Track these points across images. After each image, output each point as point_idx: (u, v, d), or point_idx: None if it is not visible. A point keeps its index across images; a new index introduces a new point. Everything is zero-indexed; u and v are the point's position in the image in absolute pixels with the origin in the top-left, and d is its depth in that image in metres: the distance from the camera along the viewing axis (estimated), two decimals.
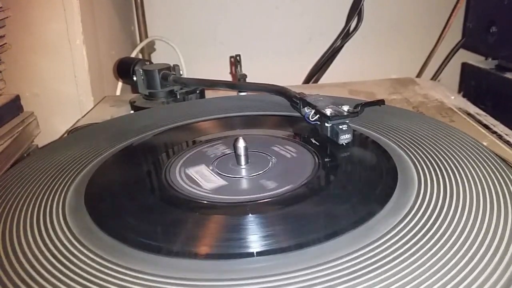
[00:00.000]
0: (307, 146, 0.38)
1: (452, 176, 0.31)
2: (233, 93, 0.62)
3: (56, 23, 0.67)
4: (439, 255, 0.23)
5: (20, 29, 0.67)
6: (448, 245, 0.23)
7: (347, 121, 0.38)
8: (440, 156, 0.34)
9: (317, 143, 0.39)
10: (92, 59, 0.71)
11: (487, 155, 0.34)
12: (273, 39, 1.05)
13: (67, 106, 0.71)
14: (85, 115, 0.65)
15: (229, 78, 0.97)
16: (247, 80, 0.61)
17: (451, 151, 0.35)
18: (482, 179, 0.30)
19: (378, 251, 0.23)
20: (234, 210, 0.30)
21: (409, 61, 1.04)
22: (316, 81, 0.93)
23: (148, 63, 0.66)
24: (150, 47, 1.01)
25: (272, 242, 0.25)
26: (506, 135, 0.49)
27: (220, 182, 0.33)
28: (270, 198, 0.30)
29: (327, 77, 0.92)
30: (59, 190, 0.33)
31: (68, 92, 0.70)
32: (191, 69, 0.95)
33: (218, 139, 0.42)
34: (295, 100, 0.45)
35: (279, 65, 1.04)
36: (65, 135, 0.53)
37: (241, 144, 0.35)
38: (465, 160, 0.33)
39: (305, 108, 0.43)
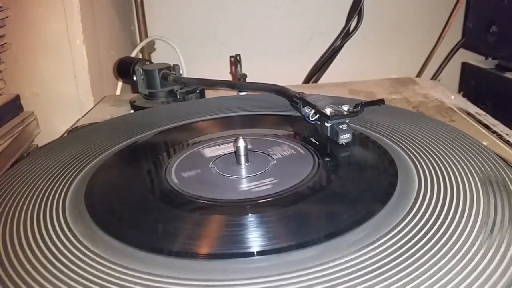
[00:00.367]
0: (307, 145, 0.38)
1: (452, 176, 0.31)
2: (233, 93, 0.62)
3: (56, 23, 0.67)
4: (439, 255, 0.23)
5: (20, 29, 0.67)
6: (448, 245, 0.23)
7: (347, 121, 0.38)
8: (440, 156, 0.34)
9: (317, 143, 0.39)
10: (92, 59, 0.71)
11: (487, 155, 0.34)
12: (273, 39, 1.05)
13: (67, 106, 0.71)
14: (85, 115, 0.65)
15: (229, 78, 0.97)
16: (247, 80, 0.61)
17: (451, 151, 0.35)
18: (482, 179, 0.30)
19: (378, 251, 0.23)
20: (234, 209, 0.30)
21: (409, 61, 1.04)
22: (316, 81, 0.93)
23: (148, 63, 0.66)
24: (150, 47, 1.01)
25: (272, 242, 0.25)
26: (506, 135, 0.49)
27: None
28: (270, 197, 0.30)
29: (327, 77, 0.92)
30: (59, 190, 0.33)
31: (68, 92, 0.70)
32: (191, 69, 0.95)
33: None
34: (295, 100, 0.45)
35: (279, 65, 1.04)
36: (65, 135, 0.53)
37: (241, 143, 0.35)
38: (465, 160, 0.33)
39: (305, 107, 0.43)
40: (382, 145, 0.37)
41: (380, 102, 0.42)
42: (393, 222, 0.26)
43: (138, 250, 0.25)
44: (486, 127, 0.51)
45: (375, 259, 0.23)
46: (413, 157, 0.34)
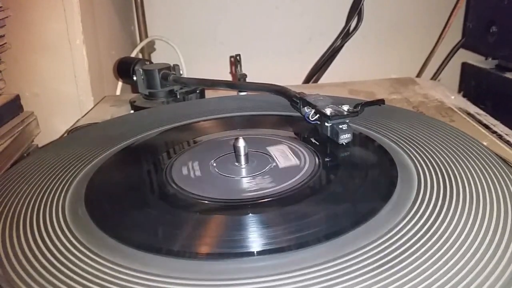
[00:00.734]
0: (307, 145, 0.38)
1: (452, 176, 0.31)
2: (233, 93, 0.62)
3: (56, 23, 0.67)
4: (438, 254, 0.23)
5: (20, 29, 0.67)
6: (448, 244, 0.23)
7: (347, 121, 0.38)
8: (440, 156, 0.34)
9: (317, 143, 0.39)
10: (92, 59, 0.71)
11: (487, 155, 0.34)
12: (273, 39, 1.05)
13: (67, 106, 0.71)
14: (85, 115, 0.65)
15: (229, 78, 0.97)
16: (247, 80, 0.61)
17: (451, 151, 0.35)
18: (482, 179, 0.30)
19: (378, 250, 0.23)
20: (235, 209, 0.30)
21: (409, 61, 1.04)
22: (316, 81, 0.93)
23: (148, 63, 0.66)
24: (150, 47, 1.01)
25: (272, 242, 0.25)
26: (506, 135, 0.49)
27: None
28: (270, 197, 0.30)
29: (327, 77, 0.92)
30: (59, 190, 0.33)
31: (68, 92, 0.70)
32: (191, 69, 0.95)
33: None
34: (295, 100, 0.45)
35: (279, 65, 1.04)
36: (65, 135, 0.53)
37: (241, 143, 0.35)
38: (465, 160, 0.33)
39: (305, 107, 0.43)
40: (382, 145, 0.37)
41: (380, 102, 0.42)
42: (393, 222, 0.26)
43: (138, 250, 0.25)
44: (486, 127, 0.51)
45: (375, 259, 0.23)
46: (413, 157, 0.34)
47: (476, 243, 0.23)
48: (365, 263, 0.23)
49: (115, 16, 0.88)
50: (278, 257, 0.24)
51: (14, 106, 0.64)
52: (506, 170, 0.31)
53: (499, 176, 0.30)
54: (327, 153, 0.37)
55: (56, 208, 0.31)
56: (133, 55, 0.90)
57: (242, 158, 0.35)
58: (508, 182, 0.30)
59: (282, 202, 0.30)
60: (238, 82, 0.61)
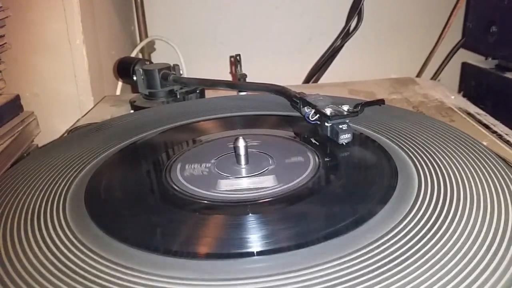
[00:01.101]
0: (307, 145, 0.38)
1: (452, 176, 0.31)
2: (233, 93, 0.62)
3: (56, 23, 0.67)
4: (439, 255, 0.23)
5: (20, 29, 0.67)
6: (448, 245, 0.23)
7: (347, 121, 0.38)
8: (440, 156, 0.34)
9: (317, 143, 0.39)
10: (92, 59, 0.71)
11: (487, 155, 0.34)
12: (273, 39, 1.05)
13: (67, 106, 0.71)
14: (85, 115, 0.65)
15: (229, 78, 0.97)
16: (247, 80, 0.61)
17: (451, 151, 0.35)
18: (482, 179, 0.30)
19: (378, 251, 0.23)
20: (234, 209, 0.30)
21: (409, 61, 1.04)
22: (316, 81, 0.93)
23: (148, 63, 0.66)
24: (150, 47, 1.01)
25: (272, 242, 0.25)
26: (506, 135, 0.49)
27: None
28: (270, 197, 0.30)
29: (327, 77, 0.92)
30: (59, 190, 0.33)
31: (68, 92, 0.70)
32: (191, 69, 0.95)
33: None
34: (295, 100, 0.45)
35: (279, 65, 1.04)
36: (65, 135, 0.53)
37: (241, 143, 0.35)
38: (465, 160, 0.33)
39: (305, 107, 0.43)
40: (382, 145, 0.37)
41: (380, 102, 0.42)
42: (393, 222, 0.26)
43: (138, 249, 0.25)
44: (486, 127, 0.51)
45: (375, 259, 0.23)
46: (413, 157, 0.34)
47: (477, 243, 0.23)
48: (365, 263, 0.23)
49: (115, 16, 0.88)
50: (278, 257, 0.24)
51: (14, 106, 0.64)
52: (506, 170, 0.31)
53: (499, 176, 0.30)
54: (327, 153, 0.37)
55: (56, 208, 0.31)
56: (133, 55, 0.90)
57: (242, 158, 0.35)
58: (508, 182, 0.29)
59: (282, 202, 0.30)
60: (238, 82, 0.61)
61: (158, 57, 1.02)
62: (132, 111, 0.61)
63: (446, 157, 0.34)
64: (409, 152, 0.35)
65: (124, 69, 0.65)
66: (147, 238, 0.27)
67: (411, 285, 0.21)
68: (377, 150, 0.37)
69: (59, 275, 0.23)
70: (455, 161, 0.33)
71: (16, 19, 0.66)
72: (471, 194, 0.28)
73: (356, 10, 0.83)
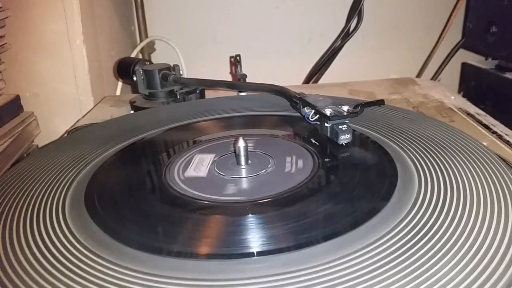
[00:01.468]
0: (307, 146, 0.38)
1: (452, 176, 0.31)
2: (233, 93, 0.62)
3: (56, 23, 0.67)
4: (439, 255, 0.23)
5: (20, 29, 0.67)
6: (449, 245, 0.23)
7: (347, 121, 0.38)
8: (440, 156, 0.34)
9: (317, 143, 0.39)
10: (92, 59, 0.71)
11: (487, 155, 0.34)
12: (273, 39, 1.05)
13: (67, 106, 0.71)
14: (85, 115, 0.65)
15: (229, 78, 0.97)
16: (247, 80, 0.61)
17: (451, 151, 0.35)
18: (482, 179, 0.30)
19: (378, 251, 0.23)
20: (234, 210, 0.30)
21: (409, 61, 1.04)
22: (316, 81, 0.93)
23: (148, 63, 0.66)
24: (150, 47, 1.01)
25: (272, 242, 0.25)
26: (506, 135, 0.49)
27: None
28: (270, 198, 0.30)
29: (327, 77, 0.92)
30: (59, 190, 0.33)
31: (68, 92, 0.70)
32: (191, 69, 0.95)
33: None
34: (295, 100, 0.45)
35: (279, 65, 1.04)
36: (65, 135, 0.53)
37: (241, 144, 0.35)
38: (465, 160, 0.33)
39: (305, 108, 0.43)
40: (382, 145, 0.37)
41: (380, 102, 0.42)
42: (393, 222, 0.26)
43: (138, 250, 0.25)
44: (486, 127, 0.51)
45: (375, 259, 0.23)
46: (413, 157, 0.34)
47: (477, 243, 0.23)
48: (366, 263, 0.23)
49: (115, 16, 0.88)
50: (278, 257, 0.24)
51: (14, 106, 0.64)
52: (506, 170, 0.31)
53: (499, 176, 0.30)
54: (327, 153, 0.37)
55: (56, 208, 0.31)
56: (133, 55, 0.90)
57: (242, 159, 0.35)
58: (508, 182, 0.29)
59: (282, 202, 0.30)
60: (238, 82, 0.61)
61: (158, 57, 1.02)
62: (132, 112, 0.61)
63: (446, 157, 0.34)
64: (409, 152, 0.35)
65: (124, 69, 0.65)
66: (147, 239, 0.27)
67: (411, 285, 0.21)
68: (377, 150, 0.37)
69: (58, 276, 0.23)
70: (455, 161, 0.33)
71: (16, 19, 0.66)
72: (471, 194, 0.28)
73: (356, 10, 0.83)
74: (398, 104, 0.61)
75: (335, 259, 0.23)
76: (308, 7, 1.03)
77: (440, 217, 0.26)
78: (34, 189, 0.33)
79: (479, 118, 0.54)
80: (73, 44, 0.68)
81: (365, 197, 0.30)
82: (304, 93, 0.45)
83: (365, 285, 0.21)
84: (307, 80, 0.94)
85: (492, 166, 0.32)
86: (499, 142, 0.46)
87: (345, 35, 0.87)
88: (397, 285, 0.21)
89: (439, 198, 0.28)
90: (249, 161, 0.35)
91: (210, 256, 0.25)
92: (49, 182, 0.34)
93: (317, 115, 0.40)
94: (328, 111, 0.39)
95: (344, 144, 0.38)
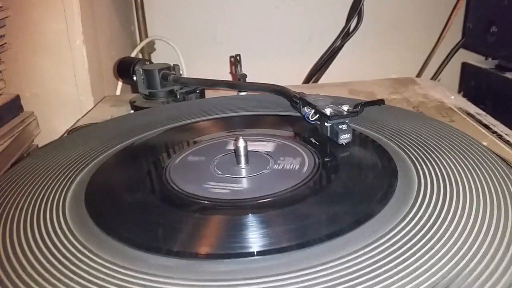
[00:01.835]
0: (307, 145, 0.38)
1: (452, 176, 0.31)
2: (233, 93, 0.62)
3: (56, 23, 0.67)
4: (439, 255, 0.23)
5: (20, 29, 0.67)
6: (448, 245, 0.23)
7: (347, 121, 0.38)
8: (440, 156, 0.34)
9: (317, 143, 0.39)
10: (92, 59, 0.71)
11: (487, 155, 0.34)
12: (273, 39, 1.05)
13: (67, 106, 0.71)
14: (85, 115, 0.65)
15: (229, 78, 0.97)
16: (247, 80, 0.61)
17: (451, 151, 0.35)
18: (482, 179, 0.30)
19: (378, 251, 0.23)
20: (234, 209, 0.30)
21: (409, 61, 1.04)
22: (316, 81, 0.93)
23: (148, 63, 0.67)
24: (150, 47, 1.01)
25: (272, 242, 0.25)
26: (506, 135, 0.49)
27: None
28: (270, 197, 0.30)
29: (327, 77, 0.92)
30: (59, 190, 0.33)
31: (68, 92, 0.70)
32: (191, 69, 0.95)
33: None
34: (295, 100, 0.45)
35: (279, 65, 1.04)
36: (65, 135, 0.53)
37: (241, 144, 0.35)
38: (465, 160, 0.33)
39: (305, 107, 0.43)
40: (382, 145, 0.37)
41: (380, 102, 0.42)
42: (393, 222, 0.26)
43: (138, 250, 0.25)
44: (486, 127, 0.51)
45: (375, 259, 0.23)
46: (413, 157, 0.34)
47: (477, 243, 0.23)
48: (366, 263, 0.23)
49: (115, 16, 0.88)
50: (278, 257, 0.24)
51: (14, 106, 0.64)
52: (506, 170, 0.31)
53: (499, 176, 0.30)
54: (327, 153, 0.37)
55: (56, 208, 0.31)
56: (133, 55, 0.90)
57: (242, 158, 0.35)
58: (508, 182, 0.30)
59: (282, 202, 0.30)
60: (238, 82, 0.61)
61: (158, 57, 1.02)
62: (132, 111, 0.61)
63: (446, 157, 0.34)
64: (409, 152, 0.35)
65: (124, 69, 0.65)
66: (147, 239, 0.27)
67: (411, 285, 0.21)
68: (377, 150, 0.37)
69: (58, 276, 0.23)
70: (455, 161, 0.33)
71: (16, 19, 0.66)
72: (471, 194, 0.28)
73: (356, 10, 0.83)
74: (398, 104, 0.61)
75: (335, 259, 0.23)
76: (308, 7, 1.03)
77: (440, 217, 0.26)
78: (34, 189, 0.33)
79: (479, 118, 0.54)
80: (73, 44, 0.68)
81: (365, 197, 0.30)
82: (304, 92, 0.45)
83: (365, 285, 0.21)
84: (307, 80, 0.94)
85: (492, 166, 0.32)
86: (499, 142, 0.46)
87: (345, 35, 0.87)
88: (397, 285, 0.21)
89: (439, 198, 0.28)
90: (249, 161, 0.35)
91: (210, 256, 0.25)
92: (49, 182, 0.34)
93: (317, 115, 0.40)
94: (328, 111, 0.39)
95: (344, 143, 0.38)
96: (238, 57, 0.63)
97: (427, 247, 0.23)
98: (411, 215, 0.27)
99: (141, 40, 0.99)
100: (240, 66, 0.63)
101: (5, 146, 0.57)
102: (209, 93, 0.65)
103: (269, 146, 0.39)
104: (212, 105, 0.53)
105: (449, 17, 0.92)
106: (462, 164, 0.33)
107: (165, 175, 0.35)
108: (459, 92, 0.89)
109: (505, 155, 0.41)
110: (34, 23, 0.67)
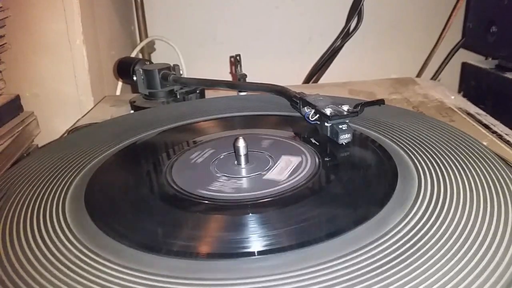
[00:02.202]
0: (307, 145, 0.38)
1: (452, 176, 0.31)
2: (233, 93, 0.62)
3: (56, 23, 0.67)
4: (439, 255, 0.23)
5: (20, 29, 0.67)
6: (448, 245, 0.23)
7: (347, 121, 0.38)
8: (440, 156, 0.34)
9: (317, 143, 0.39)
10: (92, 59, 0.71)
11: (487, 155, 0.34)
12: (273, 39, 1.05)
13: (67, 106, 0.71)
14: (85, 115, 0.65)
15: (229, 78, 0.97)
16: (247, 80, 0.61)
17: (451, 151, 0.35)
18: (482, 179, 0.30)
19: (378, 250, 0.23)
20: (234, 209, 0.30)
21: (409, 61, 1.04)
22: (316, 81, 0.93)
23: (148, 63, 0.67)
24: (150, 47, 1.01)
25: (272, 242, 0.25)
26: (506, 135, 0.49)
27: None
28: (270, 197, 0.30)
29: (327, 77, 0.92)
30: (59, 190, 0.33)
31: (68, 92, 0.70)
32: (191, 69, 0.95)
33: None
34: (295, 100, 0.45)
35: (279, 65, 1.04)
36: (65, 135, 0.53)
37: (241, 143, 0.35)
38: (465, 160, 0.33)
39: (305, 108, 0.43)
40: (382, 145, 0.37)
41: (380, 102, 0.42)
42: (393, 222, 0.26)
43: (138, 250, 0.25)
44: (486, 127, 0.51)
45: (375, 259, 0.23)
46: (413, 157, 0.34)
47: (477, 243, 0.23)
48: (365, 263, 0.23)
49: (115, 16, 0.88)
50: (278, 257, 0.24)
51: (14, 106, 0.64)
52: (506, 170, 0.31)
53: (499, 176, 0.30)
54: (327, 153, 0.37)
55: (56, 208, 0.31)
56: (133, 55, 0.90)
57: (242, 158, 0.35)
58: (508, 182, 0.29)
59: (282, 202, 0.30)
60: (238, 82, 0.61)
61: (158, 57, 1.02)
62: (132, 111, 0.61)
63: (446, 157, 0.34)
64: (409, 152, 0.35)
65: (124, 69, 0.65)
66: (147, 238, 0.27)
67: (411, 285, 0.21)
68: (377, 150, 0.37)
69: (58, 275, 0.23)
70: (455, 161, 0.33)
71: (16, 19, 0.66)
72: (471, 194, 0.28)
73: (356, 10, 0.83)
74: (398, 104, 0.61)
75: (334, 259, 0.23)
76: (308, 7, 1.03)
77: (440, 217, 0.26)
78: (34, 189, 0.33)
79: (479, 118, 0.54)
80: (73, 44, 0.68)
81: (365, 196, 0.30)
82: (304, 92, 0.45)
83: (365, 284, 0.21)
84: (307, 80, 0.94)
85: (492, 166, 0.32)
86: (499, 142, 0.46)
87: (345, 35, 0.87)
88: (397, 285, 0.21)
89: (439, 198, 0.28)
90: (249, 161, 0.35)
91: (210, 256, 0.25)
92: (49, 182, 0.34)
93: (317, 115, 0.40)
94: (328, 111, 0.39)
95: (344, 143, 0.38)
96: (238, 57, 0.63)
97: (427, 247, 0.23)
98: (411, 215, 0.27)
99: (141, 40, 0.99)
100: (240, 66, 0.63)
101: (5, 146, 0.57)
102: (209, 93, 0.65)
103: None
104: (212, 105, 0.53)
105: (449, 17, 0.92)
106: (462, 164, 0.33)
107: (165, 175, 0.35)
108: (459, 92, 0.89)
109: (505, 155, 0.41)
110: (34, 23, 0.67)
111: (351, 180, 0.33)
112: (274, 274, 0.22)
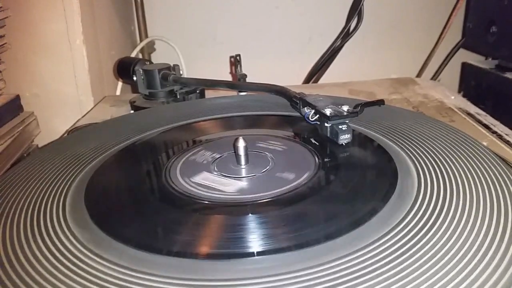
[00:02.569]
0: (307, 146, 0.38)
1: (452, 176, 0.31)
2: (233, 93, 0.62)
3: (56, 23, 0.67)
4: (439, 255, 0.23)
5: (20, 29, 0.67)
6: (448, 245, 0.23)
7: (347, 121, 0.38)
8: (440, 156, 0.34)
9: (317, 143, 0.39)
10: (92, 59, 0.71)
11: (487, 155, 0.34)
12: (273, 39, 1.05)
13: (67, 106, 0.71)
14: (85, 115, 0.65)
15: (229, 78, 0.97)
16: (247, 80, 0.61)
17: (451, 151, 0.35)
18: (482, 179, 0.30)
19: (378, 251, 0.23)
20: (234, 210, 0.30)
21: (409, 61, 1.04)
22: (316, 81, 0.93)
23: (148, 63, 0.67)
24: (150, 47, 1.01)
25: (272, 242, 0.25)
26: (506, 135, 0.49)
27: (219, 180, 0.33)
28: (270, 198, 0.30)
29: (327, 77, 0.92)
30: (59, 190, 0.33)
31: (68, 92, 0.70)
32: (191, 69, 0.95)
33: (218, 139, 0.42)
34: (295, 100, 0.45)
35: (279, 65, 1.04)
36: (65, 135, 0.53)
37: (241, 144, 0.35)
38: (465, 160, 0.33)
39: (305, 108, 0.43)
40: (382, 145, 0.37)
41: (380, 102, 0.42)
42: (393, 222, 0.26)
43: (138, 250, 0.25)
44: (486, 127, 0.51)
45: (375, 259, 0.23)
46: (413, 157, 0.34)
47: (477, 243, 0.23)
48: (365, 263, 0.23)
49: (115, 16, 0.88)
50: (278, 257, 0.24)
51: (14, 106, 0.64)
52: (506, 170, 0.31)
53: (499, 176, 0.30)
54: (327, 153, 0.37)
55: (56, 208, 0.31)
56: (133, 55, 0.90)
57: (242, 158, 0.35)
58: (508, 182, 0.29)
59: (282, 202, 0.30)
60: (238, 82, 0.61)
61: (158, 57, 1.02)
62: (132, 111, 0.61)
63: (446, 157, 0.34)
64: (409, 152, 0.35)
65: (124, 69, 0.65)
66: (147, 239, 0.27)
67: (411, 285, 0.21)
68: (377, 150, 0.37)
69: (58, 276, 0.23)
70: (455, 161, 0.33)
71: (16, 19, 0.66)
72: (471, 194, 0.28)
73: (356, 10, 0.83)
74: (398, 104, 0.61)
75: (335, 259, 0.23)
76: (308, 7, 1.03)
77: (440, 217, 0.26)
78: (34, 189, 0.33)
79: (479, 118, 0.54)
80: (73, 44, 0.68)
81: (365, 197, 0.30)
82: (304, 93, 0.45)
83: (365, 285, 0.21)
84: (307, 80, 0.94)
85: (492, 166, 0.32)
86: (499, 142, 0.46)
87: (345, 35, 0.87)
88: (397, 285, 0.21)
89: (439, 198, 0.28)
90: (249, 161, 0.35)
91: (209, 256, 0.25)
92: (49, 182, 0.34)
93: (317, 115, 0.40)
94: (328, 111, 0.39)
95: (344, 144, 0.38)
96: (238, 57, 0.63)
97: (427, 247, 0.23)
98: (411, 215, 0.27)
99: (141, 40, 0.99)
100: (240, 66, 0.63)
101: (5, 146, 0.57)
102: (209, 93, 0.65)
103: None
104: (212, 105, 0.53)
105: (449, 17, 0.92)
106: (462, 164, 0.33)
107: (165, 175, 0.35)
108: (459, 92, 0.89)
109: (505, 155, 0.41)
110: (34, 23, 0.67)
111: (350, 180, 0.33)
112: (274, 275, 0.22)
